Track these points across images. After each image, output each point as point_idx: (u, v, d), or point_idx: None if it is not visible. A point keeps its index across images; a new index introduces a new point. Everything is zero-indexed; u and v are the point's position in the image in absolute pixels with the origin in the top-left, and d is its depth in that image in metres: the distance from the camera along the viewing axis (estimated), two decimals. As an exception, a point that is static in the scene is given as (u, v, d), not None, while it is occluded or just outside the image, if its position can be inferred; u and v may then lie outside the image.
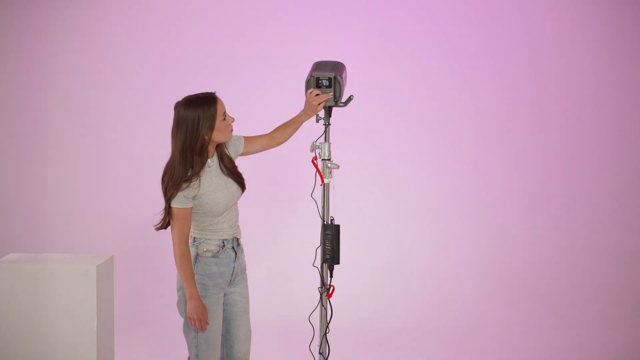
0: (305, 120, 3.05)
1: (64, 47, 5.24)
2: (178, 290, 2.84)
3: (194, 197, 2.71)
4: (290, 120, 3.06)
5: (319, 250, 3.07)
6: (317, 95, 2.95)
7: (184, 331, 2.84)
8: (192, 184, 2.67)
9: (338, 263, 3.03)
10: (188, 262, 2.72)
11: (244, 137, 2.97)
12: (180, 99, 2.74)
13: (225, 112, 2.75)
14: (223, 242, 2.80)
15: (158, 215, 2.77)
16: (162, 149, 5.25)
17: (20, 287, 3.33)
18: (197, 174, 2.69)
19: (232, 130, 2.80)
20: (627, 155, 5.33)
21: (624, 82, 5.31)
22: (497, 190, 5.30)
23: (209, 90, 2.78)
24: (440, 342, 4.45)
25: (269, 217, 5.16)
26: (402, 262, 5.16)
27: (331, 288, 3.07)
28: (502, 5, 5.28)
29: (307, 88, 2.97)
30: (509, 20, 5.28)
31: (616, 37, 5.30)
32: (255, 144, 3.00)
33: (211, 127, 2.69)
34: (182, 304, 2.82)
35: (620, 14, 5.28)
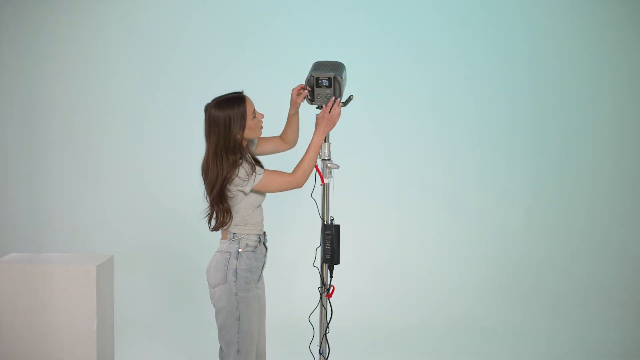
0: (292, 113, 3.03)
1: (63, 46, 5.24)
2: (214, 287, 2.80)
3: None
4: (287, 120, 3.07)
5: (319, 250, 3.08)
6: (299, 93, 2.94)
7: (223, 328, 2.80)
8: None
9: (338, 263, 3.03)
10: (306, 158, 2.83)
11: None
12: (209, 100, 2.79)
13: (254, 109, 2.81)
14: (259, 237, 2.88)
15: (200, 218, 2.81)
16: (162, 149, 5.27)
17: (20, 287, 3.33)
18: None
19: (262, 126, 2.87)
20: (628, 156, 5.33)
21: (626, 83, 5.32)
22: (498, 191, 5.30)
23: (237, 90, 2.85)
24: (440, 342, 4.45)
25: (269, 217, 5.13)
26: (402, 262, 5.16)
27: (331, 288, 3.07)
28: (502, 5, 5.27)
29: (306, 87, 2.97)
30: (509, 20, 5.28)
31: (614, 37, 5.31)
32: (269, 143, 3.05)
33: (242, 127, 2.76)
34: (222, 300, 2.78)
35: (617, 13, 5.29)
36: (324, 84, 2.92)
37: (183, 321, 4.58)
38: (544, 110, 5.33)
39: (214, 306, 2.83)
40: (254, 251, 2.85)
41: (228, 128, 2.73)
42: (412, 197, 5.27)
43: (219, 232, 2.88)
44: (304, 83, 2.96)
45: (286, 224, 5.16)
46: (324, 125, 2.88)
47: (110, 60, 5.25)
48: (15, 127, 5.26)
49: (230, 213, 2.79)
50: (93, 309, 3.33)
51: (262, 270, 2.91)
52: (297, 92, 2.95)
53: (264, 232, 2.95)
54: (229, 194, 2.76)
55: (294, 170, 2.85)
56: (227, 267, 2.78)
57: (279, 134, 3.10)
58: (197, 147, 5.20)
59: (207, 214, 2.83)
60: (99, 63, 5.24)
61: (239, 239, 2.82)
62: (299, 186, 2.86)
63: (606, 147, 5.34)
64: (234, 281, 2.77)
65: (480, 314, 4.79)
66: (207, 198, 2.81)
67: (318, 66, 2.99)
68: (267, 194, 2.92)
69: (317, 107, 2.99)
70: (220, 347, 2.86)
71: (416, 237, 5.22)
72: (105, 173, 5.25)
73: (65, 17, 5.23)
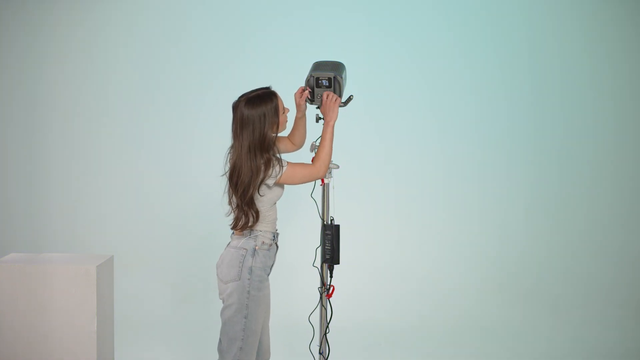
0: (299, 117, 3.04)
1: (63, 46, 5.24)
2: (226, 283, 2.79)
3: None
4: (295, 123, 3.07)
5: (319, 250, 3.08)
6: (301, 94, 2.96)
7: (228, 323, 2.80)
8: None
9: (338, 263, 3.03)
10: (322, 149, 2.81)
11: None
12: (236, 98, 2.76)
13: (283, 104, 2.79)
14: (273, 235, 2.85)
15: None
16: (161, 149, 5.27)
17: (20, 287, 3.33)
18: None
19: (287, 121, 2.84)
20: (628, 156, 5.33)
21: (626, 83, 5.31)
22: (498, 191, 5.30)
23: (265, 86, 2.85)
24: (440, 342, 4.45)
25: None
26: (402, 262, 5.16)
27: (331, 288, 3.07)
28: (502, 5, 5.28)
29: (306, 88, 2.98)
30: (509, 20, 5.28)
31: (614, 37, 5.31)
32: (281, 143, 3.03)
33: (277, 123, 2.75)
34: (233, 296, 2.78)
35: (617, 13, 5.29)
36: (324, 84, 2.92)
37: (183, 321, 4.58)
38: (544, 110, 5.32)
39: (223, 301, 2.82)
40: (268, 249, 2.83)
41: (263, 126, 2.69)
42: (412, 197, 5.27)
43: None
44: (303, 84, 2.96)
45: (286, 224, 5.14)
46: (329, 114, 2.88)
47: (110, 60, 5.25)
48: (15, 127, 5.26)
49: (259, 215, 2.75)
50: (93, 309, 3.32)
51: (271, 268, 2.90)
52: (300, 95, 2.95)
53: (277, 231, 2.91)
54: (260, 192, 2.73)
55: (314, 162, 2.85)
56: (242, 264, 2.77)
57: (292, 135, 3.09)
58: (196, 146, 5.26)
59: (229, 214, 2.78)
60: (99, 63, 5.24)
61: (256, 236, 2.80)
62: (320, 177, 2.87)
63: (606, 147, 5.34)
64: (248, 279, 2.77)
65: (480, 314, 4.79)
66: (234, 200, 2.75)
67: (318, 66, 2.99)
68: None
69: (317, 107, 3.00)
70: (220, 340, 2.84)
71: (416, 237, 5.22)
72: (105, 173, 5.25)
73: (65, 17, 5.23)
